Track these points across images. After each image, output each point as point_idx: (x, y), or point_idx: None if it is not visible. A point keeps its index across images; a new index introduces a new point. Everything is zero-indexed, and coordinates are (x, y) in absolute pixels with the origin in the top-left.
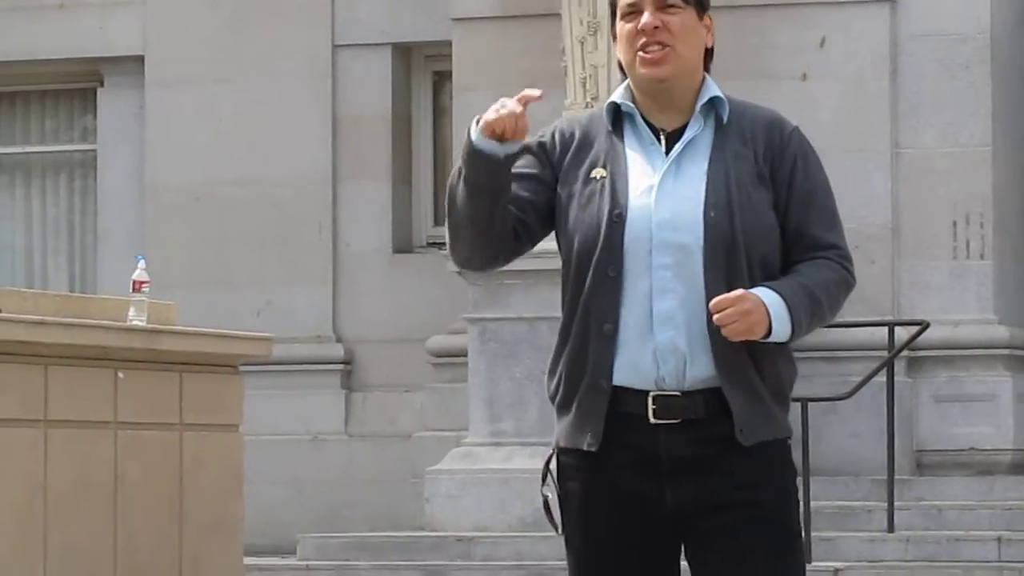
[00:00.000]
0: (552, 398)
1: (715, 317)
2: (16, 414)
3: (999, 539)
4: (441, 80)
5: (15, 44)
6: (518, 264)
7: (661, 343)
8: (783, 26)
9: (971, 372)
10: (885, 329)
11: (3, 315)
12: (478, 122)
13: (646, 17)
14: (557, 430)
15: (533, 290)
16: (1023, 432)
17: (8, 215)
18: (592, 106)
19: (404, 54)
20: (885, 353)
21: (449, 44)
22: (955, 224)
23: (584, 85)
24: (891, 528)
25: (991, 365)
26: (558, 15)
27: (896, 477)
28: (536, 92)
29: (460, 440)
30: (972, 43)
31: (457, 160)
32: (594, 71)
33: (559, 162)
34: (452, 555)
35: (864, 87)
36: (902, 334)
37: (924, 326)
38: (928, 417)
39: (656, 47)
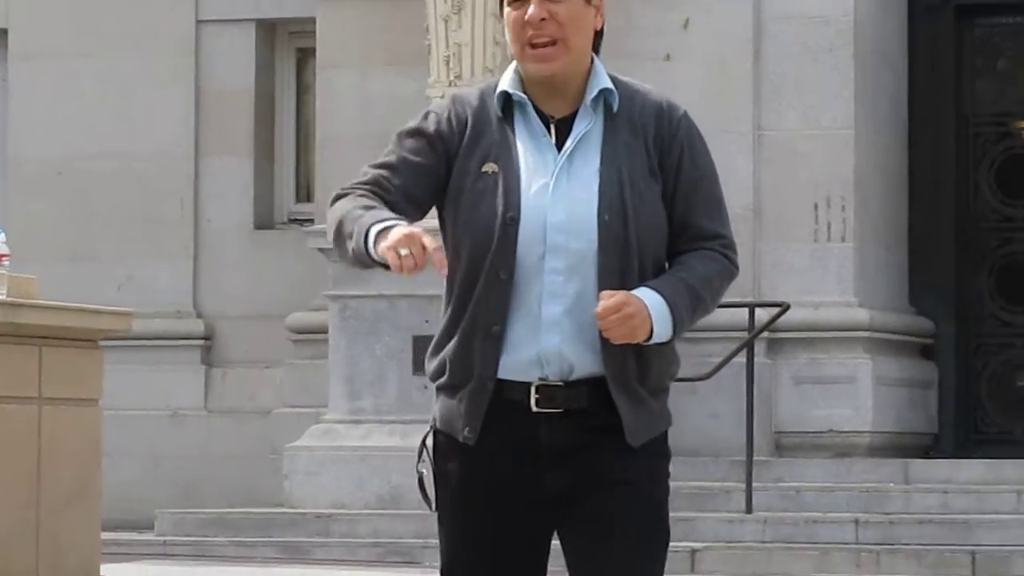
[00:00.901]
0: (433, 378)
1: (599, 324)
2: None
3: (856, 521)
4: (305, 57)
5: None
6: None
7: (546, 347)
8: (647, 7)
9: (831, 354)
10: (746, 310)
11: None
12: (375, 241)
13: (532, 8)
14: (436, 410)
15: None
16: (881, 414)
17: None
18: (455, 84)
19: (268, 30)
20: (745, 334)
21: (313, 21)
22: (816, 207)
23: (448, 63)
24: (749, 509)
25: (851, 347)
26: None
27: (755, 458)
28: (442, 267)
29: (320, 417)
30: (835, 26)
31: (348, 219)
32: (458, 49)
33: (455, 152)
34: (310, 532)
35: (727, 69)
36: (763, 315)
37: (784, 307)
38: (787, 398)
39: (544, 40)
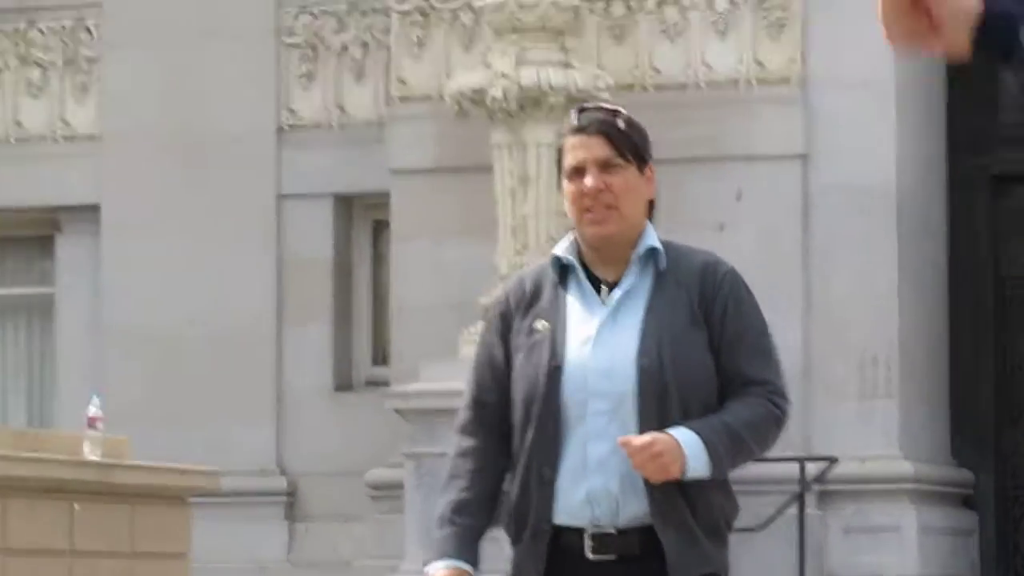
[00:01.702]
0: (505, 528)
1: (632, 463)
2: None
3: None
4: (380, 227)
5: None
6: (455, 402)
7: (594, 487)
8: (701, 178)
9: (877, 505)
10: (797, 464)
11: None
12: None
13: (589, 180)
14: (512, 561)
15: None
16: (926, 561)
17: None
18: (521, 252)
19: (345, 204)
20: (797, 487)
21: (387, 194)
22: (862, 366)
23: (514, 233)
24: None
25: (896, 498)
26: (490, 167)
27: None
28: None
29: (398, 567)
30: (879, 196)
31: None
32: (523, 220)
33: (510, 325)
34: None
35: (777, 237)
36: (812, 469)
37: (833, 461)
38: (837, 547)
39: (600, 208)
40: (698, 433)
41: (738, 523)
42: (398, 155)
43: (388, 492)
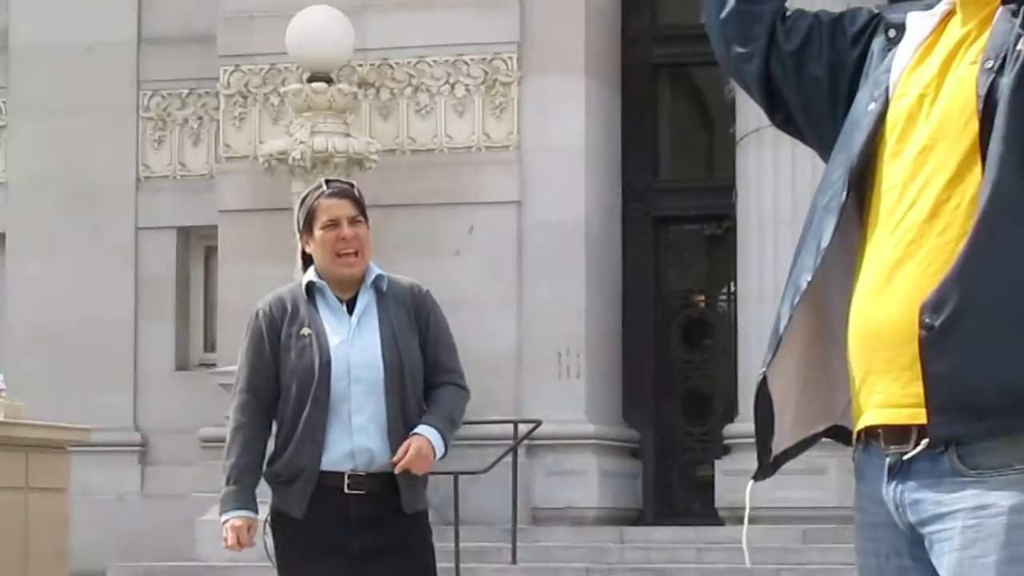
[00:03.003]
0: (269, 478)
1: (405, 466)
2: None
3: (587, 569)
4: (210, 252)
5: None
6: None
7: (357, 444)
8: (444, 218)
9: (569, 455)
10: (511, 425)
11: None
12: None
13: (345, 230)
14: (274, 498)
15: None
16: (603, 496)
17: None
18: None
19: (184, 234)
20: (511, 441)
21: (216, 227)
22: (559, 355)
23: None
24: (514, 561)
25: (583, 450)
26: (290, 208)
27: (519, 526)
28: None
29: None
30: (573, 230)
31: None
32: None
33: (277, 331)
34: None
35: (500, 261)
36: (523, 428)
37: (538, 423)
38: (540, 486)
39: (351, 252)
40: (439, 430)
41: (469, 467)
42: (224, 199)
43: (214, 444)
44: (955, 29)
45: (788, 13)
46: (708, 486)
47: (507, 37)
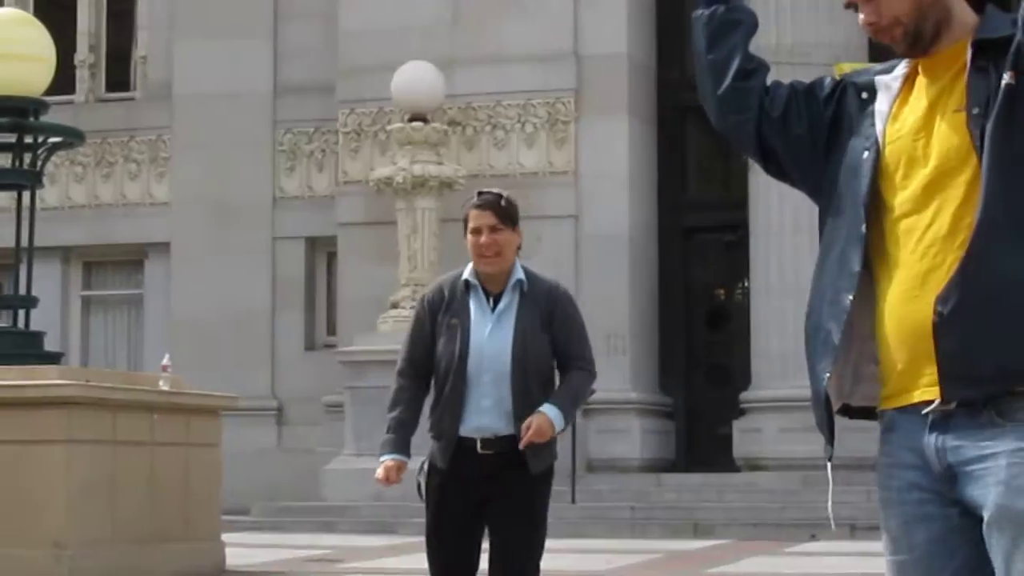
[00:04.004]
0: (431, 433)
1: (525, 442)
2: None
3: (632, 507)
4: (331, 257)
5: None
6: (375, 357)
7: (481, 422)
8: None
9: (617, 416)
10: None
11: (91, 383)
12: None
13: (484, 238)
14: (430, 449)
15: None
16: (644, 448)
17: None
18: (414, 272)
19: (311, 243)
20: None
21: (335, 238)
22: (608, 337)
23: (409, 260)
24: (574, 501)
25: (627, 413)
26: (395, 222)
27: (577, 474)
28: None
29: (340, 452)
30: (618, 240)
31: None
32: (414, 253)
33: (435, 316)
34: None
35: (561, 264)
36: None
37: (593, 391)
38: (594, 441)
39: (490, 255)
40: (560, 407)
41: None
42: (342, 215)
43: (335, 408)
44: (927, 86)
45: (769, 84)
46: (728, 440)
47: (566, 85)
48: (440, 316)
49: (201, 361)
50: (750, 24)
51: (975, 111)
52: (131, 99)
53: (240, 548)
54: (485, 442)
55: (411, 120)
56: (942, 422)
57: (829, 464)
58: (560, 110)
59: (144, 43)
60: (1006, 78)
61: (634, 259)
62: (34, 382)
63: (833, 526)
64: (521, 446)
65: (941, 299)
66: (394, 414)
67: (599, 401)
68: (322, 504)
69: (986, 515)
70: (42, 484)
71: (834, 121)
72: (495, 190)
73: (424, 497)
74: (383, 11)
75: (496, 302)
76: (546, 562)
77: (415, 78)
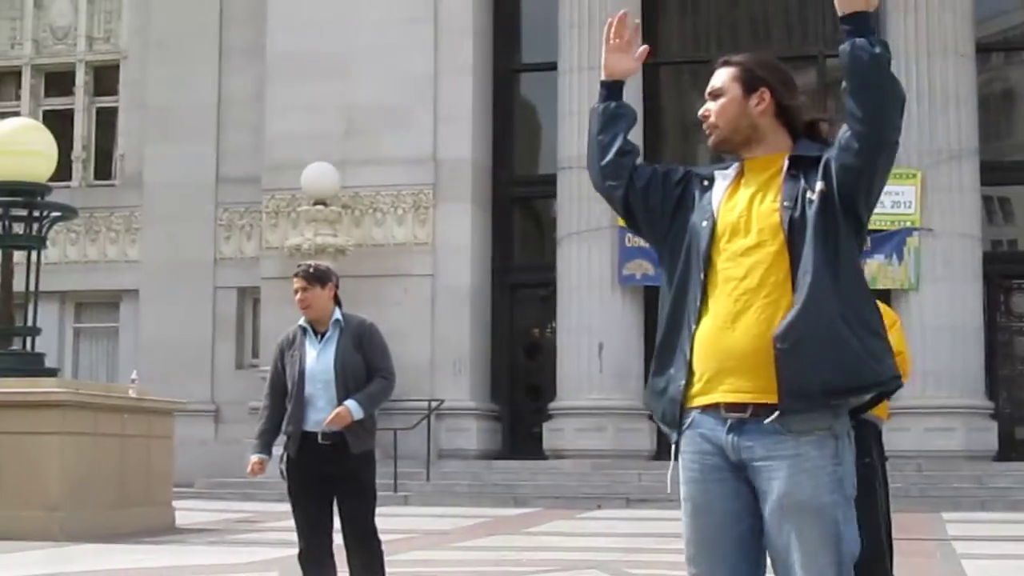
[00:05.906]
0: (285, 432)
1: (327, 424)
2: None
3: (469, 484)
4: None
5: None
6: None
7: (319, 419)
8: (390, 284)
9: (459, 419)
10: (426, 402)
11: (81, 392)
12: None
13: (298, 296)
14: (285, 442)
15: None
16: (479, 441)
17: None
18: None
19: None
20: (427, 411)
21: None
22: (454, 362)
23: None
24: (428, 479)
25: (467, 416)
26: None
27: (431, 460)
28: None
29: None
30: (464, 292)
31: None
32: None
33: (283, 353)
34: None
35: (422, 313)
36: (434, 404)
37: (442, 401)
38: (443, 436)
39: (305, 307)
40: (359, 401)
41: (402, 426)
42: (265, 271)
43: (257, 411)
44: (748, 182)
45: (638, 163)
46: (539, 437)
47: (427, 180)
48: (286, 352)
49: (160, 376)
50: (631, 118)
51: (786, 204)
52: (112, 185)
53: (186, 511)
54: (323, 434)
55: (315, 204)
56: (737, 425)
57: (674, 447)
58: (423, 199)
59: (123, 144)
60: (820, 186)
61: (474, 307)
62: (36, 389)
63: (669, 489)
64: (324, 425)
65: (780, 336)
66: (259, 425)
67: (448, 408)
68: (245, 479)
69: (769, 504)
70: (41, 464)
71: (680, 198)
72: (308, 263)
73: (285, 477)
74: (297, 123)
75: (322, 336)
76: (407, 524)
77: (319, 173)
